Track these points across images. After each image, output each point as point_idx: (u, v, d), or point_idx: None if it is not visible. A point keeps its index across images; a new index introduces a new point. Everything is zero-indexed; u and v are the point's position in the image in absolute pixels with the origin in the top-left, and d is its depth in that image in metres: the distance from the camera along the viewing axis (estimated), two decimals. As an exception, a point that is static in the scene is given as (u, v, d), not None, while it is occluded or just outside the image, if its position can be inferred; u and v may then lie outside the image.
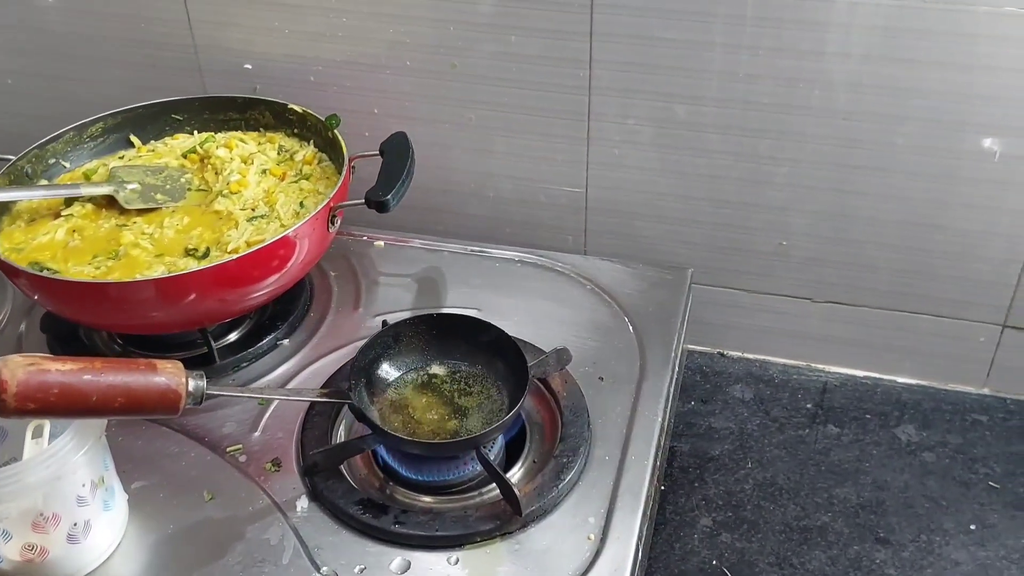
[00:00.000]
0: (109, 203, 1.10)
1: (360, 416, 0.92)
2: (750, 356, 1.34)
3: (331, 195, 1.03)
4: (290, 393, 0.88)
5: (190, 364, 1.04)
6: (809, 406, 1.27)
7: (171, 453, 0.97)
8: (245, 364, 1.08)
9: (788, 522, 1.12)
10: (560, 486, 0.91)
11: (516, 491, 0.88)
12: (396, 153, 1.07)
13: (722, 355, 1.35)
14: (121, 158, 1.18)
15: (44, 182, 1.14)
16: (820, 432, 1.23)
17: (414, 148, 1.11)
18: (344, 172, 1.07)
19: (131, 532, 0.89)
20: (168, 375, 0.80)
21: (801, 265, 1.25)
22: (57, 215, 1.09)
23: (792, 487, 1.16)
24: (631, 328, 1.11)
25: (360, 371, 0.96)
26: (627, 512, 0.91)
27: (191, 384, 0.81)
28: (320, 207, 1.02)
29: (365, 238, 1.26)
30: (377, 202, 1.01)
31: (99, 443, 0.83)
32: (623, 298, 1.16)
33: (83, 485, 0.82)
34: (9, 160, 1.11)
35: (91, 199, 1.11)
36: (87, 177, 1.15)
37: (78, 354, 1.06)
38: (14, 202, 1.09)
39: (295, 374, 1.06)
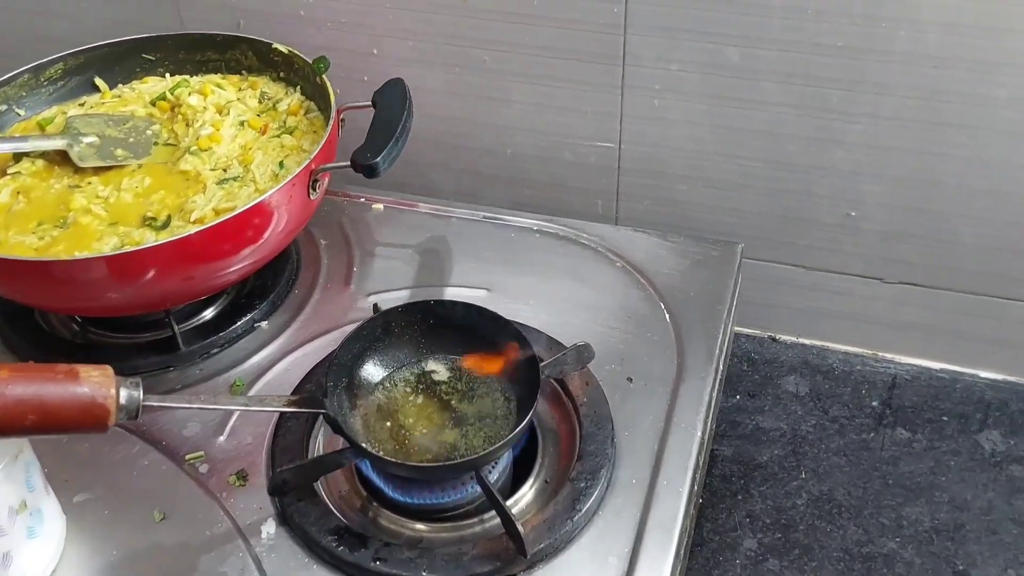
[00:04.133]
0: (64, 159, 0.95)
1: (337, 429, 0.77)
2: (807, 342, 1.16)
3: (313, 155, 0.87)
4: (251, 403, 0.73)
5: (153, 349, 0.92)
6: (875, 404, 1.09)
7: (121, 459, 0.83)
8: (215, 351, 0.93)
9: (848, 548, 0.96)
10: (575, 518, 0.76)
11: (520, 528, 0.72)
12: (390, 105, 0.90)
13: (774, 340, 1.17)
14: (82, 105, 1.03)
15: (-8, 132, 0.99)
16: (887, 437, 1.06)
17: (413, 98, 0.93)
18: (330, 126, 0.91)
19: (68, 558, 0.76)
20: (93, 385, 0.65)
21: (872, 240, 1.06)
22: (3, 172, 0.94)
23: (853, 504, 1.00)
24: (668, 316, 0.94)
25: (340, 371, 0.81)
26: (657, 552, 0.75)
27: (123, 395, 0.66)
28: (298, 170, 0.85)
29: (362, 200, 1.09)
30: (364, 165, 0.84)
31: (18, 463, 0.69)
32: (659, 278, 0.98)
33: (-4, 513, 0.68)
34: (-50, 107, 0.96)
35: (43, 154, 0.95)
36: (42, 128, 0.99)
37: (30, 336, 0.94)
38: (-47, 157, 0.94)
39: (272, 363, 0.91)
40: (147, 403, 0.67)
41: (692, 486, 0.81)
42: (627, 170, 1.10)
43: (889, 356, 1.14)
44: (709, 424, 0.88)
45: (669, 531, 0.76)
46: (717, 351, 0.91)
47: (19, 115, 1.01)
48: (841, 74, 0.96)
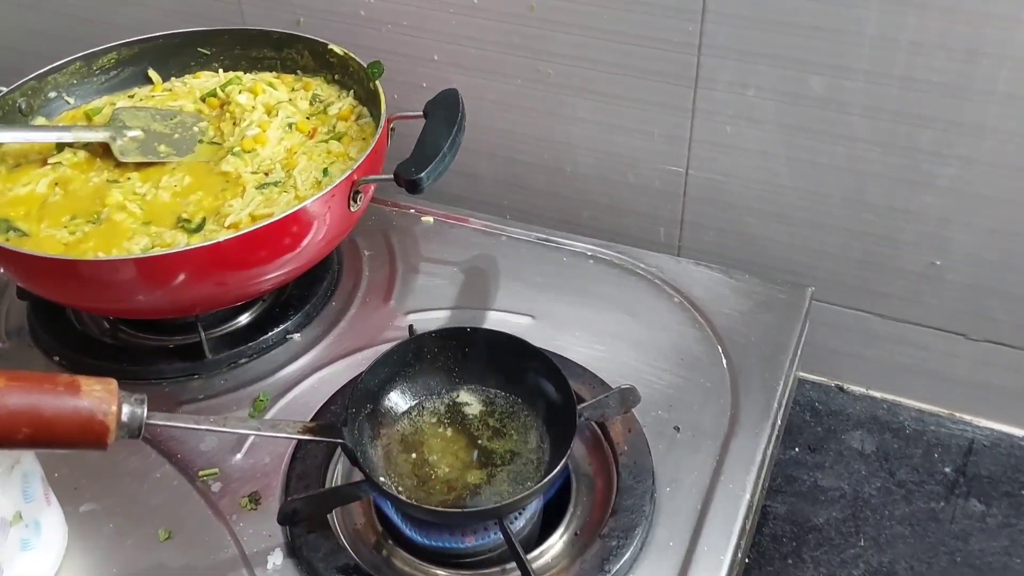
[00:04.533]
0: (107, 152, 0.92)
1: (354, 461, 0.72)
2: (877, 395, 1.08)
3: (356, 165, 0.82)
4: (263, 427, 0.69)
5: (180, 355, 0.89)
6: (948, 470, 1.00)
7: (133, 470, 0.79)
8: (243, 361, 0.89)
9: (905, 628, 0.88)
10: (603, 580, 0.69)
11: (541, 586, 0.66)
12: (441, 117, 0.85)
13: (841, 390, 1.09)
14: (131, 97, 1.00)
15: (42, 120, 0.97)
16: (959, 508, 0.97)
17: (471, 108, 0.88)
18: (377, 136, 0.86)
19: (66, 571, 0.72)
20: (94, 399, 0.61)
21: (957, 293, 0.97)
22: (44, 162, 0.91)
23: (915, 580, 0.91)
24: (725, 362, 0.87)
25: (364, 397, 0.76)
26: (688, 627, 0.68)
27: (125, 412, 0.62)
28: (338, 180, 0.81)
29: (412, 211, 1.04)
30: (407, 180, 0.79)
31: (14, 474, 0.66)
32: (719, 319, 0.91)
33: (-12, 524, 0.65)
34: (1, 92, 0.94)
35: (86, 146, 0.93)
36: (89, 118, 0.97)
37: (60, 332, 0.91)
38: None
39: (300, 379, 0.87)
40: (150, 421, 0.63)
41: (736, 554, 0.74)
42: (693, 198, 1.03)
43: (967, 418, 1.05)
44: (761, 483, 0.80)
45: (705, 604, 0.70)
46: (775, 405, 0.83)
47: (68, 103, 0.99)
48: (935, 112, 0.88)
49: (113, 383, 0.63)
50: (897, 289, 1.00)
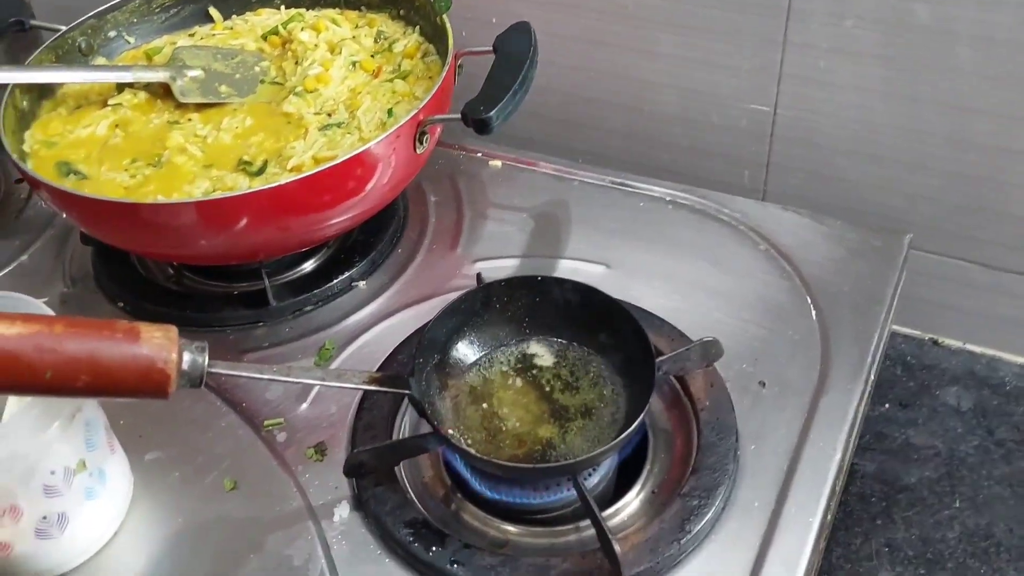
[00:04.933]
0: (167, 93, 0.89)
1: (421, 412, 0.68)
2: (976, 349, 1.01)
3: (422, 105, 0.78)
4: (328, 377, 0.66)
5: (244, 302, 0.86)
6: (1052, 430, 0.93)
7: (198, 418, 0.77)
8: (309, 308, 0.86)
9: (1004, 596, 0.82)
10: (683, 540, 0.65)
11: (617, 547, 0.63)
12: (512, 54, 0.80)
13: (936, 343, 1.02)
14: (192, 35, 0.97)
15: (102, 60, 0.94)
16: (1065, 470, 0.90)
17: (542, 45, 0.83)
18: (444, 73, 0.81)
19: (131, 521, 0.71)
20: (154, 347, 0.59)
21: (1069, 239, 0.90)
22: (104, 103, 0.89)
23: (1016, 545, 0.85)
24: (815, 313, 0.82)
25: (432, 347, 0.72)
26: (775, 593, 0.64)
27: (186, 360, 0.60)
28: (403, 120, 0.77)
29: (480, 155, 1.00)
30: (476, 120, 0.75)
31: (76, 422, 0.64)
32: (808, 268, 0.85)
33: (52, 473, 0.63)
34: (59, 31, 0.92)
35: (146, 87, 0.90)
36: (149, 58, 0.95)
37: (124, 278, 0.89)
38: (59, 84, 0.90)
39: (366, 328, 0.84)
40: (212, 370, 0.60)
41: (825, 516, 0.69)
42: (781, 138, 0.96)
43: (1074, 375, 0.97)
44: (852, 442, 0.75)
45: (793, 568, 0.65)
46: (869, 360, 0.78)
47: (128, 43, 0.96)
48: (1054, 40, 0.80)
49: (173, 330, 0.60)
50: (1001, 235, 0.93)
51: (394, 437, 0.75)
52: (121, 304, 0.88)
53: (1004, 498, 0.89)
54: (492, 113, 0.74)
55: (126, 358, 0.58)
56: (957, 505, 0.89)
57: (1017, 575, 0.83)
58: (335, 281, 0.87)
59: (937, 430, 0.94)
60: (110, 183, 0.80)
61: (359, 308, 0.86)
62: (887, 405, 0.97)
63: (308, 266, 0.90)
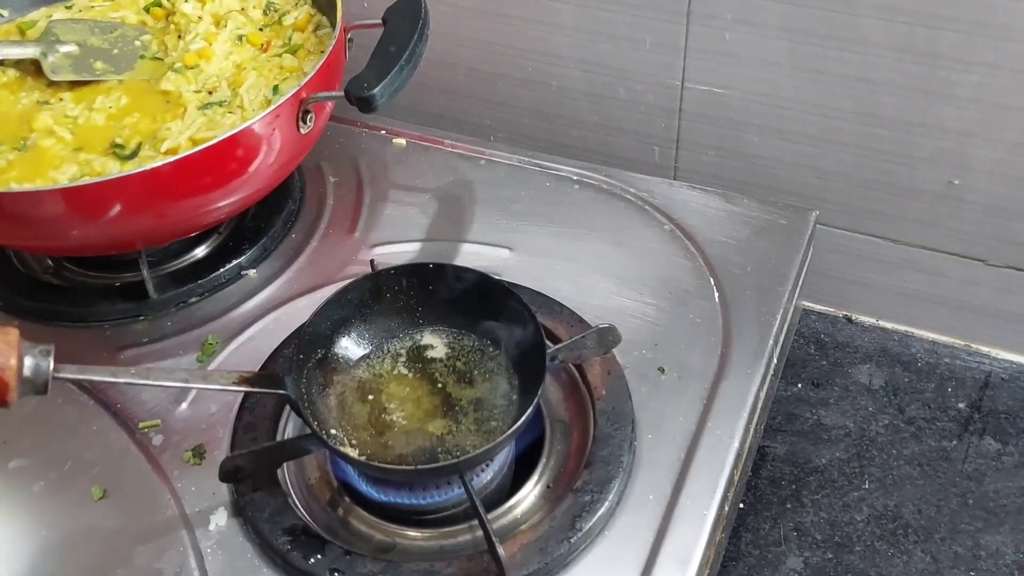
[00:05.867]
0: (39, 70, 0.83)
1: (299, 413, 0.65)
2: (888, 325, 1.00)
3: (304, 81, 0.73)
4: (192, 378, 0.62)
5: (123, 295, 0.82)
6: (962, 406, 0.93)
7: (68, 421, 0.73)
8: (194, 300, 0.82)
9: (911, 578, 0.81)
10: (574, 539, 0.63)
11: (500, 550, 0.60)
12: (401, 25, 0.75)
13: (849, 320, 1.01)
14: (69, 7, 0.91)
15: (-31, 36, 0.88)
16: (973, 447, 0.90)
17: (444, 17, 0.79)
18: (331, 47, 0.77)
19: (-7, 533, 0.67)
20: (-8, 352, 0.54)
21: (976, 214, 0.89)
22: (-29, 83, 0.83)
23: (924, 526, 0.84)
24: (717, 295, 0.79)
25: (314, 342, 0.69)
26: (667, 590, 0.62)
27: (27, 365, 0.55)
28: (284, 98, 0.72)
29: (383, 132, 0.96)
30: (359, 97, 0.70)
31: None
32: (713, 247, 0.83)
33: None
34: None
35: (18, 63, 0.84)
36: (22, 32, 0.88)
37: (0, 271, 0.84)
38: (-81, 63, 0.84)
39: (254, 320, 0.80)
40: (58, 375, 0.56)
41: (722, 508, 0.67)
42: (689, 114, 0.94)
43: (984, 349, 0.97)
44: (754, 428, 0.73)
45: (685, 563, 0.63)
46: (771, 342, 0.76)
47: (1, 16, 0.90)
48: (957, 12, 0.78)
49: (13, 333, 0.56)
50: (911, 211, 0.91)
51: (278, 438, 0.71)
52: (-9, 299, 0.83)
53: (913, 478, 0.88)
54: (376, 91, 0.70)
55: (-40, 365, 0.54)
56: (866, 487, 0.88)
57: (924, 556, 0.83)
58: (222, 269, 0.83)
59: (848, 409, 0.93)
60: (-31, 169, 0.75)
61: (247, 298, 0.82)
62: (799, 385, 0.96)
63: (199, 252, 0.86)
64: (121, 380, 0.59)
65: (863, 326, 1.01)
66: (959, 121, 0.84)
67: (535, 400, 0.64)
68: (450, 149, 0.94)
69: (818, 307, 1.01)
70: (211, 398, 0.73)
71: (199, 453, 0.70)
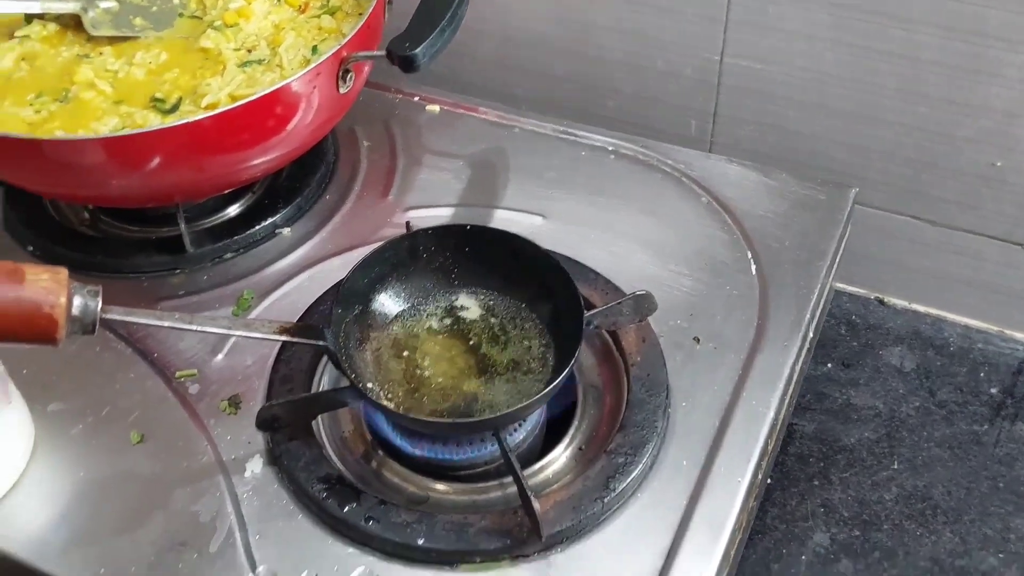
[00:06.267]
0: (79, 25, 0.84)
1: (337, 365, 0.65)
2: (920, 308, 0.99)
3: (346, 40, 0.73)
4: (235, 326, 0.62)
5: (159, 248, 0.82)
6: (994, 391, 0.92)
7: (106, 368, 0.73)
8: (229, 256, 0.82)
9: (939, 558, 0.81)
10: (607, 499, 0.63)
11: (536, 504, 0.60)
12: (443, -14, 0.75)
13: (881, 303, 1.00)
14: (111, -36, 0.91)
15: (13, -11, 0.88)
16: (1005, 431, 0.89)
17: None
18: (371, 7, 0.77)
19: (30, 474, 0.67)
20: (39, 290, 0.55)
21: (1019, 197, 0.88)
22: (11, 35, 0.83)
23: (953, 507, 0.84)
24: (754, 268, 0.79)
25: (352, 297, 0.69)
26: (700, 552, 0.62)
27: (76, 304, 0.56)
28: (325, 56, 0.72)
29: (416, 99, 0.96)
30: (401, 56, 0.70)
31: (-40, 367, 0.60)
32: (751, 221, 0.83)
33: (-65, 422, 0.59)
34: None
35: (58, 18, 0.84)
36: (65, -13, 0.89)
37: (36, 222, 0.85)
38: (-36, 13, 0.84)
39: (289, 277, 0.80)
40: (106, 316, 0.57)
41: (755, 477, 0.67)
42: (729, 87, 0.93)
43: (1018, 336, 0.96)
44: (787, 402, 0.73)
45: (718, 529, 0.63)
46: (808, 317, 0.75)
47: (44, -29, 0.90)
48: (1009, -12, 0.77)
49: (63, 272, 0.56)
50: (951, 192, 0.90)
51: (313, 390, 0.71)
52: (32, 249, 0.83)
53: (943, 460, 0.87)
54: (418, 50, 0.70)
55: (9, 302, 0.55)
56: (895, 467, 0.87)
57: (953, 536, 0.82)
58: (257, 227, 0.83)
59: (879, 391, 0.93)
60: (13, 118, 0.75)
61: (282, 256, 0.82)
62: (829, 365, 0.95)
63: (232, 211, 0.86)
64: (166, 324, 0.59)
65: (895, 308, 1.00)
66: (1004, 101, 0.83)
67: (572, 360, 0.64)
68: (484, 116, 0.94)
69: (850, 288, 1.01)
70: (247, 350, 0.74)
71: (235, 403, 0.71)
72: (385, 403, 0.65)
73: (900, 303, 1.00)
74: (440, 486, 0.67)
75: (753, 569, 0.80)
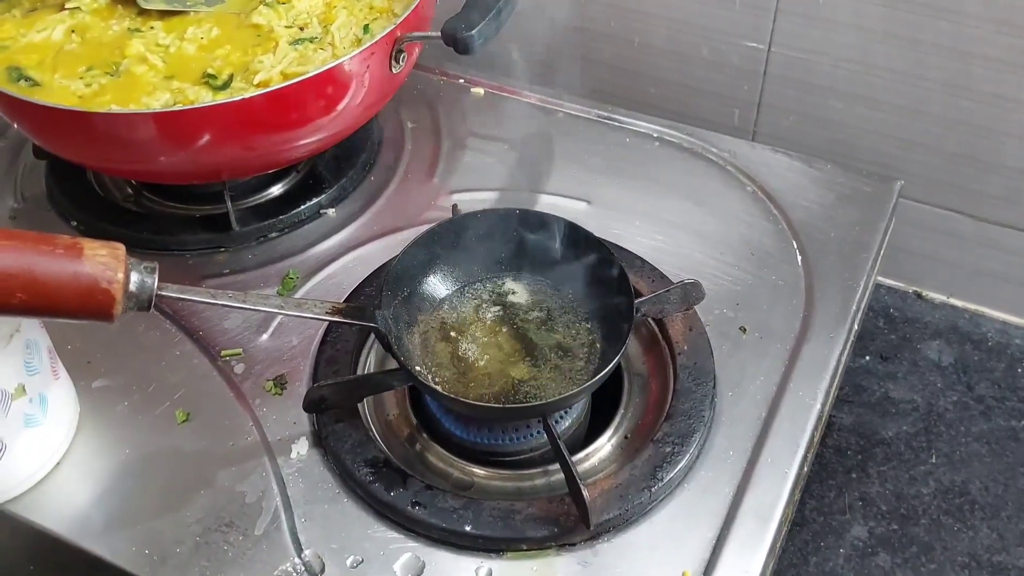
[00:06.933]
0: (129, -1, 0.84)
1: (387, 347, 0.65)
2: (959, 303, 0.99)
3: (400, 20, 0.73)
4: (287, 306, 0.62)
5: (205, 226, 0.82)
6: (1033, 388, 0.92)
7: (151, 346, 0.74)
8: (274, 235, 0.82)
9: (976, 553, 0.81)
10: (655, 488, 0.63)
11: (585, 492, 0.60)
12: (498, -31, 0.75)
13: (920, 296, 1.00)
14: (159, -60, 0.91)
15: (60, -38, 0.88)
16: (1044, 429, 0.89)
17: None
18: (424, -12, 0.76)
19: (75, 451, 0.67)
20: (98, 265, 0.55)
21: (1066, 194, 0.87)
22: (62, 7, 0.83)
23: (991, 503, 0.84)
24: (800, 259, 0.79)
25: (401, 280, 0.69)
26: (748, 542, 0.62)
27: (133, 280, 0.56)
28: (379, 36, 0.72)
29: (461, 81, 0.95)
30: (456, 38, 0.70)
31: (12, 344, 0.60)
32: (796, 212, 0.82)
33: (-12, 397, 0.60)
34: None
35: (106, -9, 0.84)
36: (112, -39, 0.88)
37: (79, 196, 0.85)
38: (12, -15, 0.84)
39: (334, 258, 0.80)
40: (162, 293, 0.57)
41: (801, 467, 0.67)
42: (774, 77, 0.93)
43: (1058, 333, 0.96)
44: (832, 392, 0.73)
45: (766, 519, 0.63)
46: (854, 308, 0.75)
47: (91, -56, 0.90)
48: (1066, -19, 0.76)
49: (121, 248, 0.56)
50: (994, 187, 0.90)
51: (358, 372, 0.71)
52: (75, 223, 0.83)
53: (981, 455, 0.87)
54: (474, 32, 0.70)
55: (67, 276, 0.54)
56: (933, 461, 0.87)
57: (991, 532, 0.82)
58: (302, 207, 0.83)
59: (917, 384, 0.93)
60: (63, 91, 0.75)
61: (327, 237, 0.82)
62: (867, 357, 0.95)
63: (275, 190, 0.86)
64: (220, 302, 0.59)
65: (933, 303, 0.99)
66: (1055, 96, 0.82)
67: (622, 348, 0.64)
68: (528, 101, 0.94)
69: (888, 281, 1.00)
70: (293, 330, 0.74)
71: (280, 383, 0.71)
72: (434, 386, 0.64)
73: (938, 297, 0.99)
74: (483, 472, 0.67)
75: (791, 561, 0.80)
